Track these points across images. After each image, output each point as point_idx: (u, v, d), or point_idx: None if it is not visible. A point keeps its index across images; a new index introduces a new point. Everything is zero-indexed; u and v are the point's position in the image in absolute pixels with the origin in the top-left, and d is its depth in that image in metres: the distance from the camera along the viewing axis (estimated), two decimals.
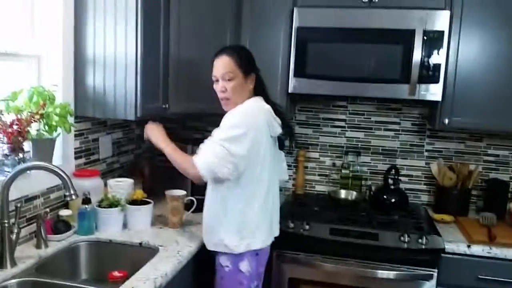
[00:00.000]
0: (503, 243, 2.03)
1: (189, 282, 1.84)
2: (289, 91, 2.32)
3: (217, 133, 1.73)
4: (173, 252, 1.74)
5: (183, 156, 1.79)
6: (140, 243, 1.84)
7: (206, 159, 1.69)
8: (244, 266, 1.80)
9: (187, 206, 2.09)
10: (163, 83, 2.20)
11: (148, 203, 2.01)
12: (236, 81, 1.79)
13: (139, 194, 2.02)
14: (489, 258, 2.02)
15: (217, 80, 1.82)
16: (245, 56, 1.85)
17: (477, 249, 2.02)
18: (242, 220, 1.78)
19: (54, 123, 1.78)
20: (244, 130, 1.70)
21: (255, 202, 1.80)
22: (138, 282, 1.46)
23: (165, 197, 2.05)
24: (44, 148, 1.81)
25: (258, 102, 1.83)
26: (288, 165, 2.68)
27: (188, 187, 2.19)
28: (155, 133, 1.85)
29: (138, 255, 1.75)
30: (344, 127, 2.70)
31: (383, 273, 2.09)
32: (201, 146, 1.74)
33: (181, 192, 2.06)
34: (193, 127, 2.84)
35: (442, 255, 2.05)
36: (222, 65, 1.80)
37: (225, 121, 1.74)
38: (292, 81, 2.30)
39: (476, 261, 2.03)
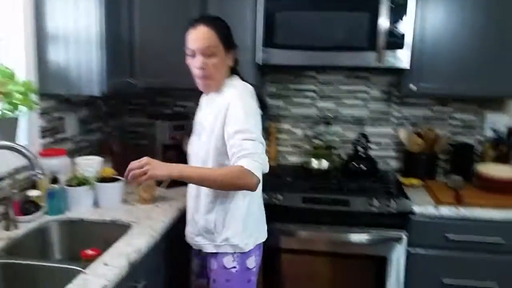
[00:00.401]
0: (470, 203, 2.11)
1: (163, 257, 1.83)
2: (259, 62, 2.29)
3: (242, 128, 1.51)
4: (146, 228, 1.73)
5: (227, 171, 1.51)
6: (112, 221, 1.82)
7: (257, 161, 1.48)
8: (252, 262, 1.70)
9: (158, 182, 2.08)
10: (129, 58, 2.15)
11: (118, 180, 1.99)
12: (219, 57, 1.59)
13: (108, 171, 1.99)
14: (457, 219, 2.09)
15: (193, 55, 1.60)
16: (225, 28, 1.65)
17: (445, 210, 2.09)
18: (247, 216, 1.67)
19: (16, 102, 1.73)
20: (257, 117, 1.57)
21: (257, 193, 1.69)
22: (111, 259, 1.45)
23: None
24: (8, 127, 1.75)
25: (243, 82, 1.69)
26: None
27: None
28: (159, 166, 1.46)
29: (111, 233, 1.73)
30: (314, 97, 2.71)
31: (355, 238, 2.14)
32: (235, 150, 1.50)
33: None
34: (163, 102, 2.80)
35: (411, 217, 2.11)
36: (201, 38, 1.57)
37: (237, 113, 1.54)
38: (261, 53, 2.27)
39: (444, 222, 2.10)
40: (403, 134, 2.57)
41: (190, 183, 1.56)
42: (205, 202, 1.66)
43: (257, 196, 1.72)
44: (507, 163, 2.36)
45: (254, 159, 1.47)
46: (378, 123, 2.67)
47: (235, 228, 1.65)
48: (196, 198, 1.69)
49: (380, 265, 2.16)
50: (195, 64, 1.60)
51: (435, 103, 2.60)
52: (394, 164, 2.69)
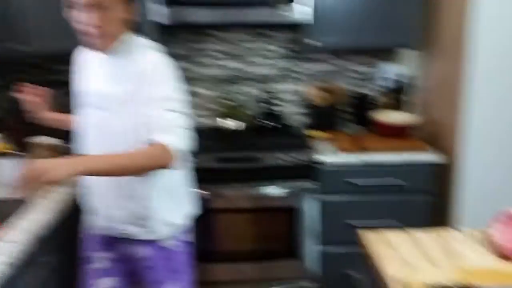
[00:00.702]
0: (369, 149, 2.26)
1: (68, 232, 1.74)
2: (162, 22, 2.20)
3: (164, 96, 1.34)
4: (47, 201, 1.64)
5: (142, 153, 1.30)
6: (10, 197, 1.69)
7: (179, 136, 1.32)
8: (190, 235, 1.63)
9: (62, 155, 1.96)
10: (9, 20, 1.96)
11: (14, 155, 1.85)
12: (110, 9, 1.32)
13: (2, 146, 1.84)
14: (359, 165, 2.23)
15: (76, 7, 1.31)
16: None
17: (348, 158, 2.23)
18: (182, 191, 1.58)
19: None
20: (180, 85, 1.40)
21: (186, 166, 1.57)
22: (10, 235, 1.38)
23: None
24: None
25: (152, 42, 1.49)
26: None
27: (62, 134, 2.04)
28: (58, 165, 1.15)
29: (10, 210, 1.61)
30: (220, 57, 2.69)
31: (269, 192, 2.23)
32: (153, 120, 1.32)
33: (51, 140, 1.92)
34: (62, 70, 2.60)
35: (318, 167, 2.22)
36: None
37: (158, 78, 1.36)
38: (164, 11, 2.18)
39: (348, 168, 2.24)
40: (307, 89, 2.66)
41: (99, 176, 1.30)
42: (139, 187, 1.44)
43: (187, 168, 1.61)
44: (400, 110, 2.55)
45: (176, 134, 1.31)
46: (283, 79, 2.72)
47: (173, 207, 1.54)
48: (125, 183, 1.44)
49: (294, 215, 2.27)
50: (80, 19, 1.31)
51: (334, 57, 2.70)
52: (301, 119, 2.78)
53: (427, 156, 2.24)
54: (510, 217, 1.26)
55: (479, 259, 1.20)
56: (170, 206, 1.52)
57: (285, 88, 2.73)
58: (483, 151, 2.16)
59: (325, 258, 2.35)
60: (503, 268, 1.12)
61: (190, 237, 1.66)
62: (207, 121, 2.74)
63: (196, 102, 2.73)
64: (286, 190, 2.23)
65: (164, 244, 1.53)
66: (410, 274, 1.08)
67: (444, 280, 1.03)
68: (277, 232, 2.33)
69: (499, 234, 1.23)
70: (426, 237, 1.32)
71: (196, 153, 2.16)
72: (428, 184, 2.27)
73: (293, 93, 2.74)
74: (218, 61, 2.68)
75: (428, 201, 2.29)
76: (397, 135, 2.37)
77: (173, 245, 1.55)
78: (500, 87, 2.10)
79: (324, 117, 2.60)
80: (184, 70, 2.63)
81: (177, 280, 1.57)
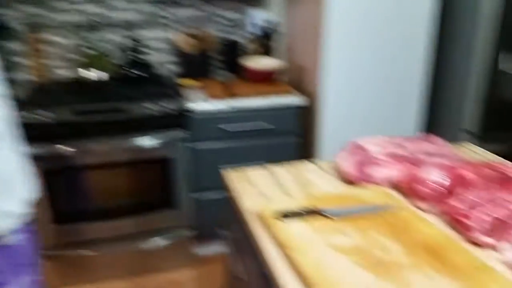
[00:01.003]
0: (238, 95, 2.29)
1: None
2: None
3: None
4: None
5: None
6: None
7: None
8: (32, 224, 1.37)
9: None
10: None
11: None
12: None
13: None
14: (229, 112, 2.25)
15: None
16: None
17: (218, 105, 2.23)
18: (12, 171, 1.27)
19: None
20: None
21: (14, 140, 1.28)
22: None
23: None
24: None
25: None
26: (18, 53, 2.39)
27: None
28: None
29: None
30: (77, 1, 2.45)
31: (143, 143, 2.15)
32: None
33: None
34: None
35: (189, 115, 2.19)
36: None
37: None
38: None
39: (219, 115, 2.25)
40: (177, 36, 2.57)
41: None
42: None
43: (15, 145, 1.32)
44: (268, 55, 2.60)
45: None
46: (150, 26, 2.60)
47: (7, 194, 1.27)
48: None
49: (168, 165, 2.24)
50: None
51: (203, 2, 2.63)
52: (170, 67, 2.70)
53: (292, 99, 2.33)
54: (355, 146, 1.37)
55: (327, 186, 1.30)
56: (3, 193, 1.25)
57: (153, 35, 2.61)
58: (340, 93, 2.30)
59: (201, 205, 2.39)
60: (347, 192, 1.22)
61: (33, 226, 1.40)
62: (66, 73, 2.54)
63: (52, 52, 2.49)
64: (158, 141, 2.17)
65: (4, 241, 1.26)
66: (264, 204, 1.13)
67: (294, 207, 1.10)
68: (152, 184, 2.29)
69: (344, 162, 1.34)
70: (283, 171, 1.39)
71: (53, 107, 2.02)
72: (294, 126, 2.38)
73: (161, 40, 2.64)
74: (75, 5, 2.45)
75: (295, 142, 2.41)
76: (265, 80, 2.43)
77: (14, 240, 1.30)
78: (356, 32, 2.23)
79: (194, 65, 2.56)
80: (37, 16, 2.40)
81: (21, 276, 1.34)
